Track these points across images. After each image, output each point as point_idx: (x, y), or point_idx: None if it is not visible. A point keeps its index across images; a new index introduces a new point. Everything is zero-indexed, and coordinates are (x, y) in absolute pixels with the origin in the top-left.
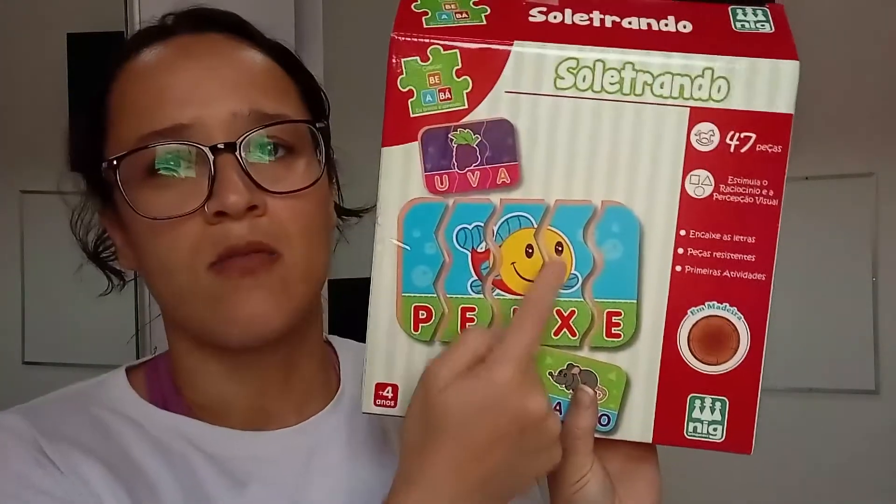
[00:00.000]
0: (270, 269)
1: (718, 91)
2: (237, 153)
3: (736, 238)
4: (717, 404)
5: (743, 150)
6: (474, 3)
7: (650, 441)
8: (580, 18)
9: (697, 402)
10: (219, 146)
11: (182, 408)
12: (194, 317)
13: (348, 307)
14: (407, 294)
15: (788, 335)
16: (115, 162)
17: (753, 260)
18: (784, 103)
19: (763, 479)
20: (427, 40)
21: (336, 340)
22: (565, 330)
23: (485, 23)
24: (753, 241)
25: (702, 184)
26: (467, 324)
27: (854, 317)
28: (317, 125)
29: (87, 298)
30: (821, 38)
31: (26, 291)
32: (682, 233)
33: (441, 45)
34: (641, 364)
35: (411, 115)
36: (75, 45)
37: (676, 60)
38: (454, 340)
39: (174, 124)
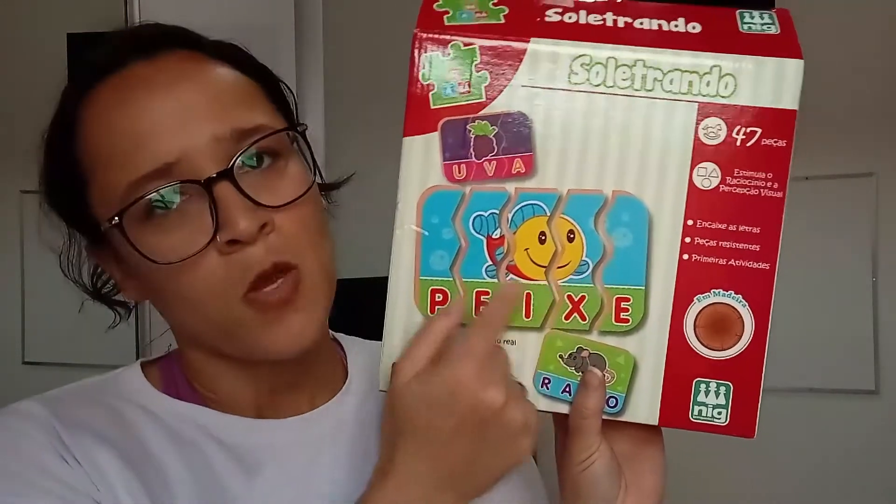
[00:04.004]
0: (299, 290)
1: (726, 88)
2: (231, 178)
3: (741, 228)
4: (722, 389)
5: (749, 144)
6: (493, 4)
7: (656, 423)
8: (594, 19)
9: (703, 387)
10: (213, 176)
11: (196, 399)
12: (228, 340)
13: (348, 307)
14: (424, 277)
15: (788, 335)
16: (116, 219)
17: (758, 249)
18: (789, 100)
19: (763, 479)
20: (448, 36)
21: (342, 337)
22: (576, 314)
23: (503, 21)
24: (758, 232)
25: (709, 176)
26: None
27: (854, 317)
28: (297, 128)
29: (87, 298)
30: (821, 38)
31: (26, 291)
32: (690, 222)
33: (461, 41)
34: (649, 348)
35: (432, 107)
36: (75, 45)
37: (686, 58)
38: (422, 332)
39: (161, 165)
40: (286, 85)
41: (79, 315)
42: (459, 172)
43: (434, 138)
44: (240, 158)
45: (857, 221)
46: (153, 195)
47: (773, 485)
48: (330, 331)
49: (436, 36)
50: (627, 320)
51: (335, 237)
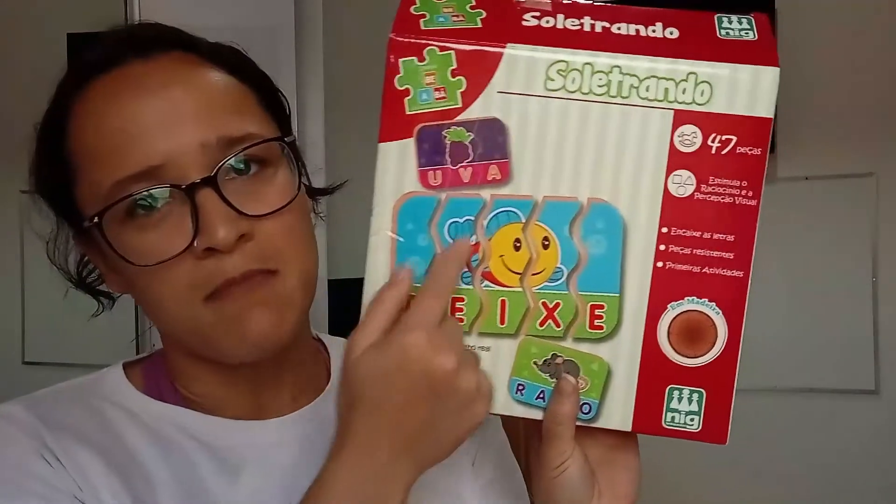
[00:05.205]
0: (269, 285)
1: (701, 95)
2: (215, 185)
3: (716, 236)
4: (695, 395)
5: (724, 152)
6: (471, 7)
7: (629, 429)
8: (571, 23)
9: (676, 393)
10: (196, 182)
11: (178, 400)
12: (197, 342)
13: (348, 307)
14: None
15: (789, 335)
16: (96, 219)
17: (732, 257)
18: (764, 108)
19: (763, 479)
20: (424, 41)
21: (326, 338)
22: (550, 321)
23: (480, 26)
24: (732, 240)
25: (684, 183)
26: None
27: (854, 317)
28: (285, 139)
29: (87, 298)
30: (821, 38)
31: (26, 291)
32: (664, 230)
33: (437, 46)
34: (623, 355)
35: (407, 113)
36: (75, 45)
37: (662, 65)
38: (373, 304)
39: (146, 167)
40: (282, 93)
41: (78, 315)
42: (435, 179)
43: (410, 144)
44: (226, 165)
45: (857, 221)
46: (135, 196)
47: (771, 485)
48: (313, 331)
49: (411, 41)
50: (601, 327)
51: (333, 237)
